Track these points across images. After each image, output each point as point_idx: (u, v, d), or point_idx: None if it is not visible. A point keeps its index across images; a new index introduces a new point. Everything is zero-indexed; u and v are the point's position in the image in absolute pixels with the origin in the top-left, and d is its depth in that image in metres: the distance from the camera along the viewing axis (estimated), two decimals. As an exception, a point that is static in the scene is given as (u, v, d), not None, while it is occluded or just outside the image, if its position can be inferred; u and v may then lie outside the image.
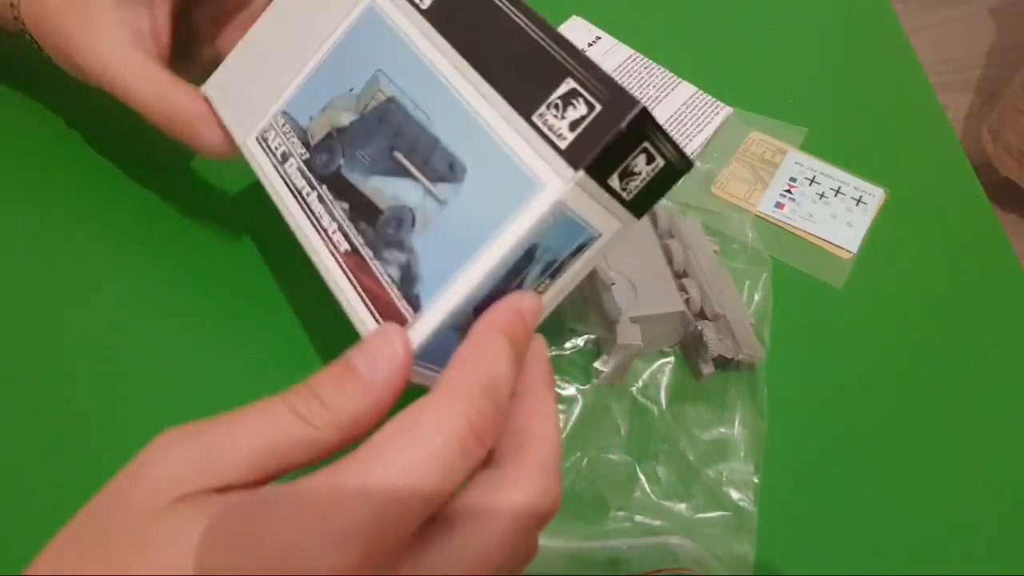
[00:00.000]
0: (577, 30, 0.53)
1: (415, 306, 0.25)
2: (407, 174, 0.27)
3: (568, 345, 0.37)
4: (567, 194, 0.23)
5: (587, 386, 0.36)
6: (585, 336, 0.37)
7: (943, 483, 0.37)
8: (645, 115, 0.23)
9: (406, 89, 0.28)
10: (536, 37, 0.25)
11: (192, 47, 0.40)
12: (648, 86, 0.51)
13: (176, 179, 0.42)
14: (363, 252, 0.27)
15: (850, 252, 0.44)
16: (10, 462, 0.33)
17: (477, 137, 0.26)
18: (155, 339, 0.37)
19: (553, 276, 0.26)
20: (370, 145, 0.28)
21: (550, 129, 0.24)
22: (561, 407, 0.35)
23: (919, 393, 0.39)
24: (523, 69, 0.25)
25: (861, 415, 0.38)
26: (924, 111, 0.51)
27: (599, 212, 0.25)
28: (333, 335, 0.38)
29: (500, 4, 0.26)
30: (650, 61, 0.52)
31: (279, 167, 0.31)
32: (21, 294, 0.37)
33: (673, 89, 0.51)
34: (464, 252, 0.25)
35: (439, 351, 0.25)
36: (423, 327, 0.25)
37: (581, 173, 0.23)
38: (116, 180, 0.42)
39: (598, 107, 0.23)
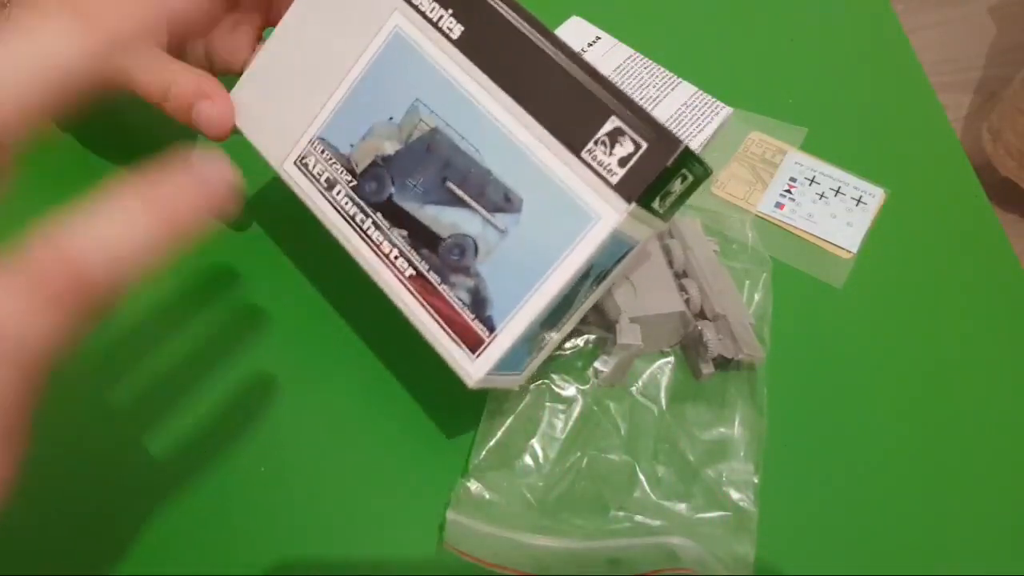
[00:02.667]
0: (577, 30, 0.53)
1: (490, 328, 0.28)
2: (463, 204, 0.29)
3: (568, 345, 0.37)
4: (622, 223, 0.26)
5: (587, 386, 0.36)
6: (585, 336, 0.37)
7: (943, 483, 0.37)
8: (687, 152, 0.26)
9: (449, 120, 0.29)
10: (573, 73, 0.27)
11: (184, 47, 0.40)
12: (648, 86, 0.51)
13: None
14: (429, 277, 0.29)
15: (850, 252, 0.44)
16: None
17: (529, 170, 0.28)
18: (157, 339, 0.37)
19: (599, 283, 0.30)
20: (420, 175, 0.30)
21: (600, 165, 0.26)
22: (561, 407, 0.35)
23: (919, 393, 0.39)
24: (566, 105, 0.27)
25: (861, 415, 0.38)
26: (924, 111, 0.51)
27: (640, 227, 0.28)
28: (330, 334, 0.38)
29: (530, 36, 0.27)
30: (650, 61, 0.52)
31: (326, 193, 0.32)
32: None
33: (673, 89, 0.51)
34: (530, 277, 0.28)
35: (512, 360, 0.29)
36: (500, 345, 0.28)
37: (634, 205, 0.26)
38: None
39: (644, 145, 0.26)
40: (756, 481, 0.35)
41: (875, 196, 0.47)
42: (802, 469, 0.36)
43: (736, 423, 0.36)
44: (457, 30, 0.29)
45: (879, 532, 0.35)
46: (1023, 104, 1.22)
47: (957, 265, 0.44)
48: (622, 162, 0.26)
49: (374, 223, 0.31)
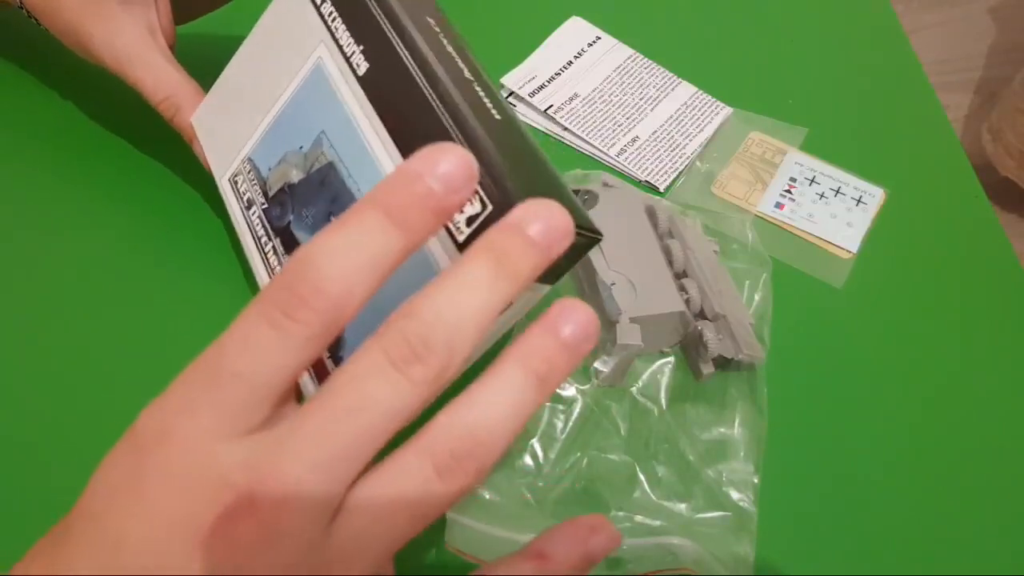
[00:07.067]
0: (577, 30, 0.53)
1: (338, 364, 0.28)
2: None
3: (568, 345, 0.37)
4: None
5: (587, 386, 0.36)
6: (585, 336, 0.37)
7: (943, 483, 0.37)
8: None
9: (342, 156, 0.29)
10: (447, 124, 0.26)
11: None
12: (648, 86, 0.51)
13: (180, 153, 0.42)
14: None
15: (850, 252, 0.44)
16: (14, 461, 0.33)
17: None
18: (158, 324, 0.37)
19: None
20: (313, 206, 0.30)
21: (451, 220, 0.25)
22: (561, 407, 0.35)
23: (919, 393, 0.39)
24: None
25: (861, 415, 0.38)
26: (924, 111, 0.51)
27: None
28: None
29: (421, 85, 0.27)
30: (650, 61, 0.52)
31: (245, 212, 0.33)
32: (23, 276, 0.38)
33: (673, 89, 0.51)
34: (379, 322, 0.26)
35: None
36: None
37: None
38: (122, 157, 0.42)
39: (490, 207, 0.24)
40: (756, 481, 0.35)
41: (875, 196, 0.47)
42: (802, 469, 0.36)
43: (736, 423, 0.36)
44: (363, 67, 0.28)
45: (879, 532, 0.35)
46: (1023, 104, 1.22)
47: (957, 265, 0.44)
48: (469, 221, 0.24)
49: (273, 248, 0.31)
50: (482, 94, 0.27)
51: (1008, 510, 0.36)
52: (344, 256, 0.18)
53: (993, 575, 0.34)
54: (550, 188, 0.26)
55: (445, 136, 0.26)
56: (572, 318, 0.20)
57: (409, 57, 0.27)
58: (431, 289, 0.19)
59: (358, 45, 0.29)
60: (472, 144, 0.25)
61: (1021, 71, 1.25)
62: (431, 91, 0.26)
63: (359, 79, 0.28)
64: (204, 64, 0.38)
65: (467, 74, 0.28)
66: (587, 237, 0.25)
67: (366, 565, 0.19)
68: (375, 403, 0.18)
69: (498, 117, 0.27)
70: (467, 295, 0.19)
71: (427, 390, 0.19)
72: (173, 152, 0.41)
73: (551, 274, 0.26)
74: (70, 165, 0.42)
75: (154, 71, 0.36)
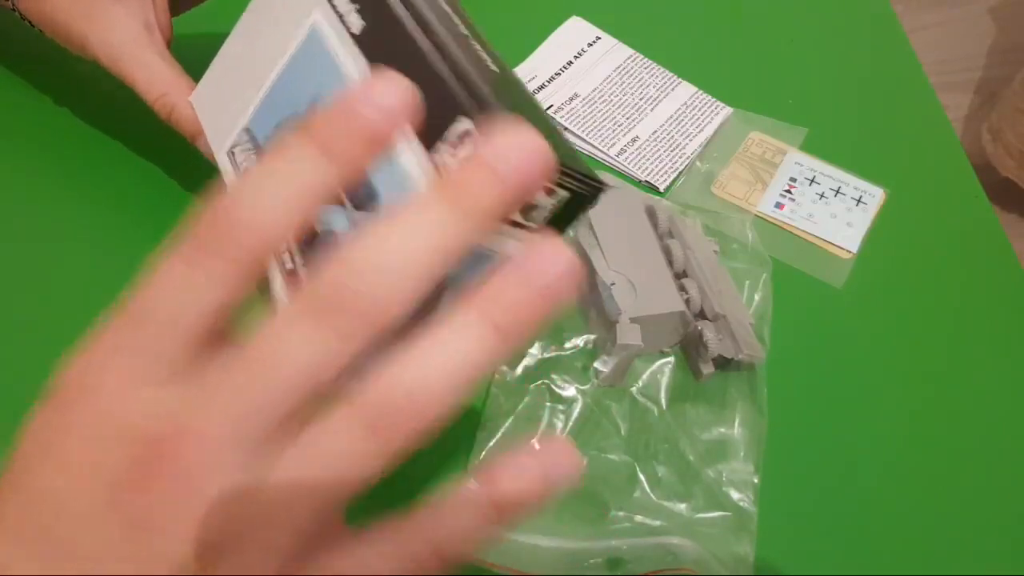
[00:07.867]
0: (577, 30, 0.53)
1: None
2: (336, 200, 0.28)
3: (568, 345, 0.37)
4: None
5: (587, 386, 0.36)
6: (585, 336, 0.37)
7: (943, 482, 0.37)
8: None
9: None
10: (439, 71, 0.25)
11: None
12: (648, 86, 0.51)
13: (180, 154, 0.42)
14: (300, 273, 0.28)
15: (850, 252, 0.44)
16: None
17: (389, 167, 0.27)
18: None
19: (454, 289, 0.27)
20: None
21: (444, 166, 0.24)
22: (561, 407, 0.35)
23: (919, 393, 0.39)
24: (428, 103, 0.26)
25: (861, 415, 0.38)
26: (924, 111, 0.51)
27: (505, 240, 0.25)
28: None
29: (413, 34, 0.26)
30: (650, 61, 0.52)
31: None
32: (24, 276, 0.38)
33: (673, 89, 0.51)
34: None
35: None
36: None
37: None
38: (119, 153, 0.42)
39: None
40: (756, 481, 0.35)
41: (875, 196, 0.47)
42: (802, 469, 0.36)
43: (736, 423, 0.36)
44: (358, 25, 0.28)
45: (879, 532, 0.35)
46: (1023, 104, 1.22)
47: (957, 265, 0.44)
48: None
49: None
50: (478, 47, 0.27)
51: (1008, 510, 0.36)
52: (268, 188, 0.17)
53: (993, 575, 0.34)
54: (546, 136, 0.26)
55: (444, 87, 0.25)
56: (550, 260, 0.17)
57: (404, 11, 0.27)
58: (371, 229, 0.17)
59: (353, 4, 0.28)
60: (472, 91, 0.24)
61: (1021, 71, 1.25)
62: (428, 43, 0.26)
63: (355, 38, 0.28)
64: (201, 58, 0.38)
65: (463, 30, 0.28)
66: (591, 186, 0.24)
67: (293, 525, 0.18)
68: (295, 355, 0.17)
69: (495, 69, 0.26)
70: (411, 234, 0.17)
71: (354, 342, 0.17)
72: (174, 150, 0.41)
73: (557, 227, 0.25)
74: (68, 166, 0.42)
75: (148, 69, 0.36)
